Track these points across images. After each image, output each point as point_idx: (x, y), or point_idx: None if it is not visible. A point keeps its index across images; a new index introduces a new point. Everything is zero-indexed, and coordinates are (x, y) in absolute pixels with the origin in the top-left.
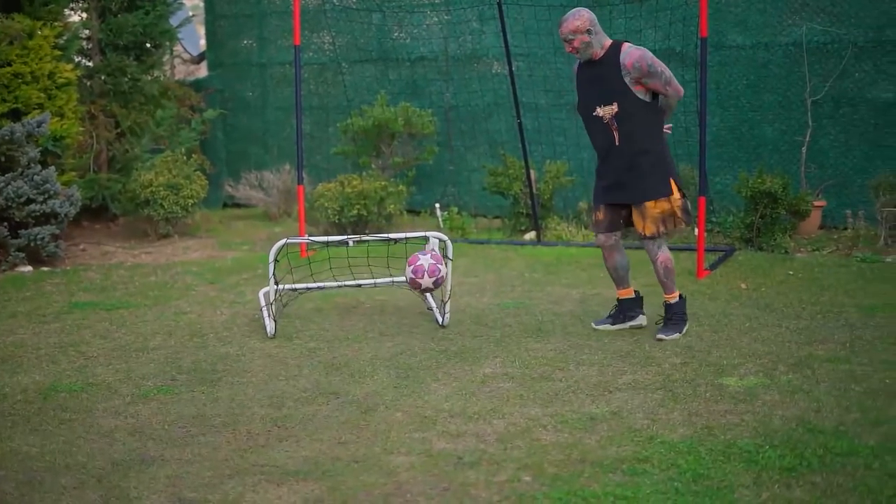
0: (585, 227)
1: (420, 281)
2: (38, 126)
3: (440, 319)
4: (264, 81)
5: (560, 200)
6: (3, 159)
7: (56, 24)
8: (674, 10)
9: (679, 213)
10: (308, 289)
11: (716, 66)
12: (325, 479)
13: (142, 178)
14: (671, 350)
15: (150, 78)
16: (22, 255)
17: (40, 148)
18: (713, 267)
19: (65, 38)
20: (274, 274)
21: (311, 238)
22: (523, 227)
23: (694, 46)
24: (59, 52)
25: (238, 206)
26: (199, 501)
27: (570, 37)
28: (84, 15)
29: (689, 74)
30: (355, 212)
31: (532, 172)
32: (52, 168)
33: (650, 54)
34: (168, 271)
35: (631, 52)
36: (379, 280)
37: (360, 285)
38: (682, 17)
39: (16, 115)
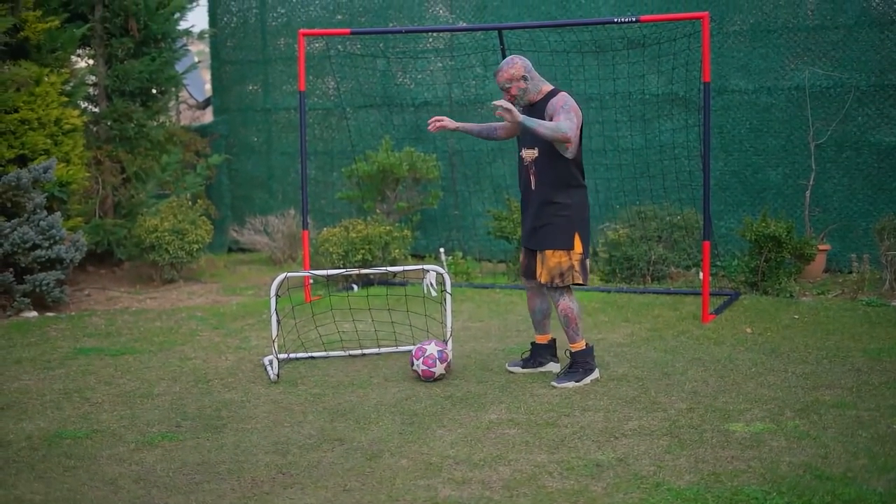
0: (590, 272)
1: (434, 370)
2: (45, 172)
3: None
4: (269, 127)
5: None
6: (9, 205)
7: (63, 70)
8: (676, 55)
9: (576, 269)
10: (312, 357)
11: (719, 111)
12: None
13: (147, 224)
14: (677, 396)
15: (155, 123)
16: (27, 300)
17: (46, 194)
18: (718, 311)
19: (71, 84)
20: (276, 310)
21: (313, 272)
22: None
23: (697, 91)
24: (66, 99)
25: (243, 250)
26: None
27: (507, 85)
28: (91, 61)
29: (692, 119)
30: (360, 256)
31: None
32: (58, 214)
33: (571, 99)
34: (173, 316)
35: (559, 96)
36: (384, 349)
37: (363, 354)
38: (685, 61)
39: (22, 161)
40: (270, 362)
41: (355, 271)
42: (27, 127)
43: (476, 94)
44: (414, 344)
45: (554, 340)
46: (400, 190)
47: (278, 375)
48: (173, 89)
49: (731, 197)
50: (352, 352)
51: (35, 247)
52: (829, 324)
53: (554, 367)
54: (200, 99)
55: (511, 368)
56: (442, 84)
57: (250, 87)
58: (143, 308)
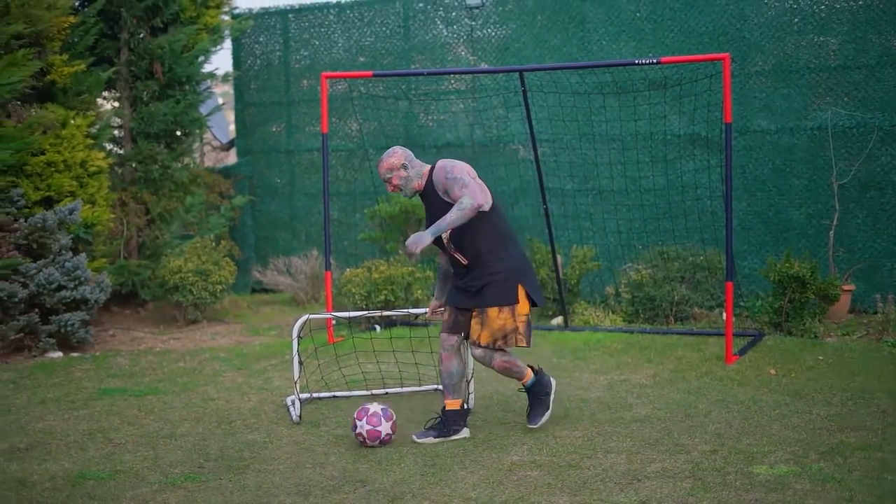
0: (613, 312)
1: (380, 429)
2: (70, 213)
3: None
4: (292, 168)
5: (587, 285)
6: (35, 246)
7: (89, 113)
8: (698, 96)
9: (521, 331)
10: (335, 397)
11: (741, 151)
12: None
13: (171, 264)
14: (700, 437)
15: (180, 165)
16: (52, 340)
17: (72, 235)
18: (742, 352)
19: (97, 126)
20: (298, 352)
21: (335, 314)
22: (550, 313)
23: (719, 131)
24: (92, 141)
25: (266, 291)
26: None
27: (388, 175)
28: (116, 104)
29: (714, 159)
30: (382, 297)
31: (558, 257)
32: (83, 255)
33: (453, 162)
34: (196, 357)
35: (437, 170)
36: (406, 388)
37: (386, 393)
38: (707, 102)
39: (48, 202)
40: (293, 403)
41: (378, 313)
42: (53, 169)
43: (498, 134)
44: (438, 384)
45: (465, 404)
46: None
47: (300, 416)
48: (197, 131)
49: (755, 237)
50: (374, 391)
51: (60, 288)
52: (853, 365)
53: (466, 433)
54: (224, 140)
55: (420, 440)
56: (464, 125)
57: (274, 129)
58: (166, 348)
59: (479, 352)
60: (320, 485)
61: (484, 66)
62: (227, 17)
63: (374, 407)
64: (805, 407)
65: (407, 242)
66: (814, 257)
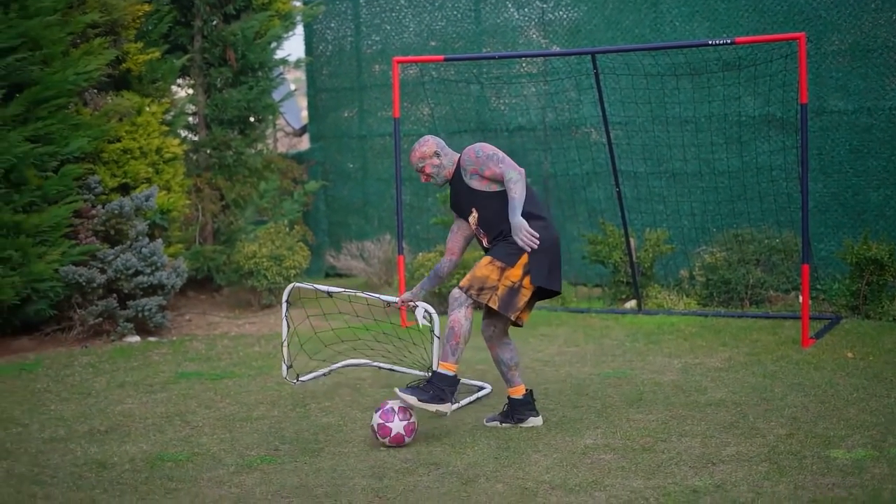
0: (687, 296)
1: (391, 426)
2: (146, 200)
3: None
4: (365, 153)
5: (661, 268)
6: (112, 232)
7: (163, 100)
8: (773, 77)
9: (499, 293)
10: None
11: (818, 132)
12: None
13: (246, 250)
14: (776, 421)
15: (253, 151)
16: (130, 325)
17: (148, 221)
18: (819, 335)
19: (172, 114)
20: (287, 315)
21: (316, 286)
22: (624, 296)
23: (794, 113)
24: (167, 128)
25: (340, 275)
26: None
27: (420, 164)
28: (190, 91)
29: (789, 140)
30: (454, 281)
31: (632, 241)
32: (160, 240)
33: (480, 144)
34: (271, 341)
35: (464, 153)
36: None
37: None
38: (782, 83)
39: (125, 189)
40: (285, 363)
41: (352, 292)
42: (129, 156)
43: (570, 117)
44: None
45: (531, 392)
46: None
47: (298, 378)
48: (270, 117)
49: (831, 219)
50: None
51: (137, 273)
52: None
53: (536, 422)
54: (297, 126)
55: (489, 423)
56: (536, 108)
57: (346, 114)
58: (242, 333)
59: (455, 292)
60: (394, 467)
61: (556, 48)
62: (298, 3)
63: (392, 403)
64: (883, 390)
65: (520, 236)
66: (892, 239)
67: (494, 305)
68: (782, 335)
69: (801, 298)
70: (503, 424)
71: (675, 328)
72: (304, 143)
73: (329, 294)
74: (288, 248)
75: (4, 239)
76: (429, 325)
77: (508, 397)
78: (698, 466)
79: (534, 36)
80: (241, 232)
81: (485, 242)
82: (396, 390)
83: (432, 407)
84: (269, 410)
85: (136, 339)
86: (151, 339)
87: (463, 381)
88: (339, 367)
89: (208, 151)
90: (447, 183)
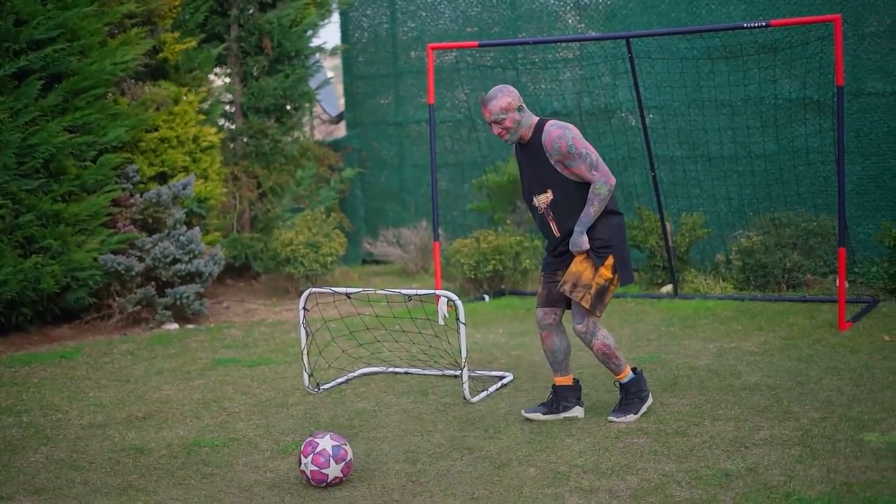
0: (723, 280)
1: (327, 472)
2: (184, 188)
3: (467, 394)
4: (401, 140)
5: (697, 252)
6: (150, 221)
7: (200, 89)
8: (810, 59)
9: (592, 290)
10: (397, 372)
11: (855, 114)
12: None
13: (282, 237)
14: (810, 405)
15: (290, 139)
16: (168, 313)
17: (186, 209)
18: (855, 319)
19: (208, 102)
20: (304, 321)
21: (334, 289)
22: (660, 281)
23: (831, 95)
24: (203, 117)
25: (376, 262)
26: None
27: (501, 116)
28: (227, 80)
29: (827, 123)
30: (491, 267)
31: (668, 225)
32: (197, 228)
33: (572, 133)
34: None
35: (550, 132)
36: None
37: (405, 372)
38: (819, 65)
39: (162, 177)
40: (311, 375)
41: (371, 290)
42: (167, 145)
43: (606, 102)
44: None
45: (577, 381)
46: None
47: (318, 387)
48: (307, 105)
49: (870, 202)
50: (446, 371)
51: (175, 261)
52: None
53: (578, 412)
54: (333, 114)
55: (528, 415)
56: (571, 93)
57: (382, 101)
58: (279, 320)
59: (579, 328)
60: (428, 452)
61: (591, 33)
62: None
63: (325, 443)
64: None
65: (574, 251)
66: None
67: (587, 304)
68: (819, 319)
69: (837, 282)
70: (546, 416)
71: (710, 312)
72: (341, 131)
73: (348, 296)
74: (325, 235)
75: (44, 228)
76: (443, 321)
77: (554, 386)
78: (731, 450)
79: (569, 20)
80: (278, 219)
81: (553, 230)
82: (610, 418)
83: (645, 408)
84: (304, 396)
85: (175, 326)
86: (189, 326)
87: (483, 372)
88: (356, 376)
89: (245, 140)
90: (520, 144)
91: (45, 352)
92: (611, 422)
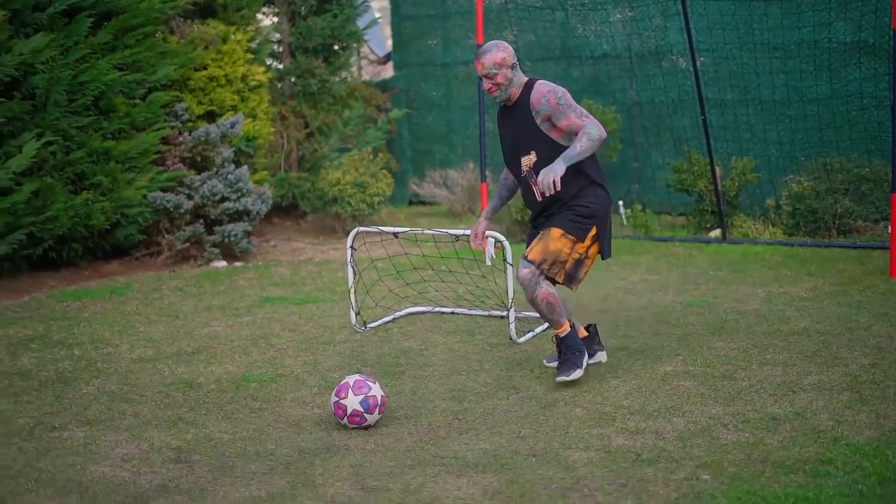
0: (773, 225)
1: (344, 402)
2: (232, 127)
3: (513, 335)
4: (448, 81)
5: (746, 197)
6: (199, 159)
7: (248, 28)
8: (865, 1)
9: (568, 268)
10: (443, 312)
11: None
12: (504, 472)
13: (330, 177)
14: (859, 351)
15: (338, 79)
16: (217, 250)
17: (234, 148)
18: None
19: (257, 42)
20: (351, 260)
21: (381, 229)
22: (708, 225)
23: (887, 38)
24: (252, 56)
25: (423, 203)
26: (382, 490)
27: (493, 71)
28: (275, 19)
29: (882, 67)
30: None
31: (717, 169)
32: (245, 167)
33: (561, 90)
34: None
35: (539, 88)
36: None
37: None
38: (875, 7)
39: (211, 116)
40: (358, 313)
41: (419, 230)
42: (215, 84)
43: (656, 45)
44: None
45: (592, 327)
46: None
47: (365, 325)
48: (354, 45)
49: None
50: (493, 311)
51: (224, 199)
52: None
53: (601, 357)
54: (381, 54)
55: (549, 364)
56: (621, 36)
57: (430, 42)
58: (325, 259)
59: (525, 271)
60: (474, 391)
61: None
62: None
63: (350, 402)
64: None
65: (540, 181)
66: None
67: (561, 280)
68: (869, 265)
69: (889, 229)
70: (568, 377)
71: (759, 257)
72: (388, 71)
73: (395, 235)
74: (371, 175)
75: (94, 165)
76: (490, 262)
77: (556, 337)
78: (778, 394)
79: None
80: (325, 159)
81: (536, 194)
82: (558, 379)
83: (576, 375)
84: (351, 335)
85: (223, 263)
86: (237, 264)
87: (529, 313)
88: (403, 315)
89: (293, 79)
90: (505, 106)
91: (96, 287)
92: (559, 382)
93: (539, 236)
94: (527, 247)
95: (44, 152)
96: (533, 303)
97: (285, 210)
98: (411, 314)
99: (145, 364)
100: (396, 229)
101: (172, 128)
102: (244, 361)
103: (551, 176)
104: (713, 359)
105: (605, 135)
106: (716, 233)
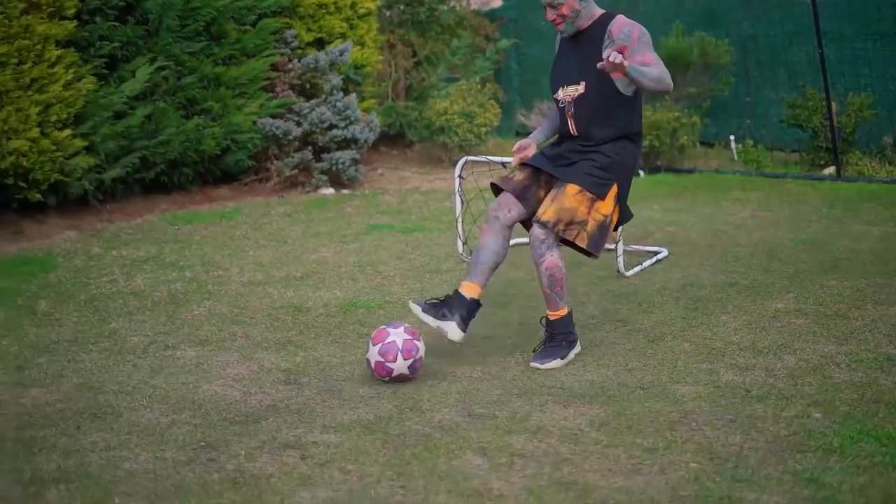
0: (890, 164)
1: (392, 366)
2: (341, 55)
3: (621, 268)
4: None
5: (863, 134)
6: (307, 86)
7: None
8: None
9: (588, 229)
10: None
11: None
12: (611, 404)
13: (437, 106)
14: None
15: (446, 8)
16: (324, 177)
17: (342, 76)
18: None
19: None
20: (459, 189)
21: (490, 158)
22: (822, 162)
23: None
24: None
25: (530, 134)
26: (488, 417)
27: (559, 0)
28: None
29: None
30: (647, 143)
31: (833, 105)
32: (353, 95)
33: (646, 30)
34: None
35: (622, 19)
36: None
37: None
38: None
39: (320, 43)
40: (465, 243)
41: (499, 160)
42: (324, 11)
43: None
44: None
45: (479, 303)
46: (690, 76)
47: (467, 253)
48: None
49: None
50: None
51: (332, 127)
52: None
53: (451, 330)
54: None
55: (413, 306)
56: None
57: None
58: (432, 188)
59: (539, 231)
60: (581, 322)
61: None
62: None
63: (396, 334)
64: None
65: (614, 57)
66: None
67: (584, 244)
68: None
69: None
70: (423, 315)
71: (875, 196)
72: (497, 1)
73: (504, 165)
74: (479, 105)
75: (205, 91)
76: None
77: (457, 290)
78: (894, 335)
79: None
80: (432, 88)
81: (571, 127)
82: (533, 364)
83: (573, 354)
84: (458, 263)
85: (330, 191)
86: (345, 191)
87: (638, 247)
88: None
89: (402, 8)
90: (576, 35)
91: (207, 211)
92: (534, 368)
93: (552, 194)
94: (521, 177)
95: (156, 77)
96: (536, 269)
97: (392, 139)
98: (518, 245)
99: (255, 287)
100: (504, 159)
101: (282, 54)
102: (352, 287)
103: (620, 57)
104: (826, 297)
105: (671, 84)
106: (830, 170)
